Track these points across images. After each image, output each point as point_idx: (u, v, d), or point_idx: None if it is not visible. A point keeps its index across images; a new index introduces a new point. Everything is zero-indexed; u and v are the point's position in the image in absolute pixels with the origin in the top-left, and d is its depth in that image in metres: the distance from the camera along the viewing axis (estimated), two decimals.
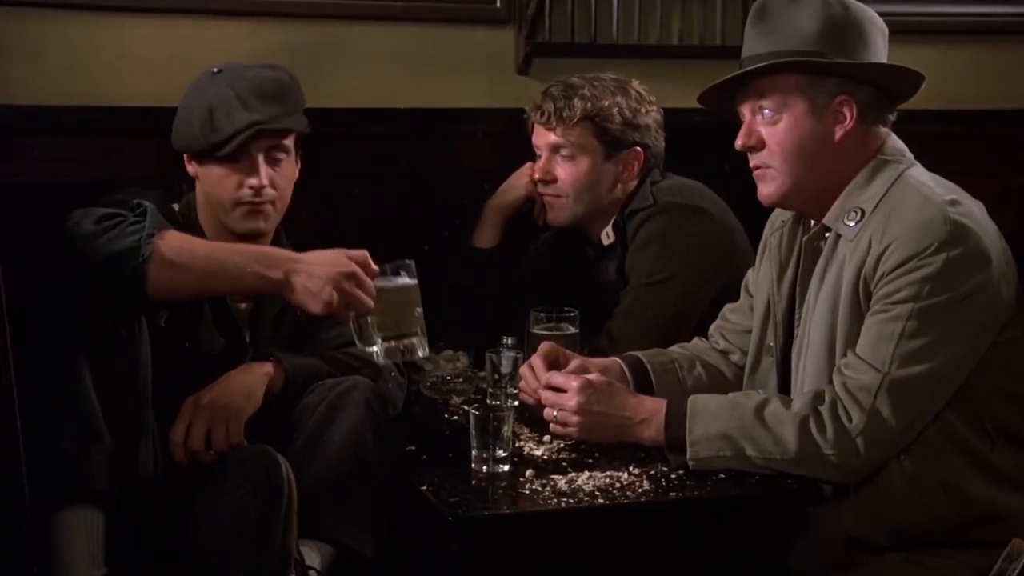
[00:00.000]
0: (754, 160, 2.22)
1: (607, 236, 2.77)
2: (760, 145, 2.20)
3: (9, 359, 1.76)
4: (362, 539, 2.10)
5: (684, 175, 2.80)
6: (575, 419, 2.17)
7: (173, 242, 2.10)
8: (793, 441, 2.04)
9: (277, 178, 2.40)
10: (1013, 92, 3.31)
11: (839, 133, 2.17)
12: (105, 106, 2.73)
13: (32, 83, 2.68)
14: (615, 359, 2.40)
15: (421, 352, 2.21)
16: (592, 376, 2.21)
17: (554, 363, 2.32)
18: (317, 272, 2.13)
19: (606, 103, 2.68)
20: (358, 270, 2.15)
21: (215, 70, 2.41)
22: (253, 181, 2.37)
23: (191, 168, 2.43)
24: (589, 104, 2.68)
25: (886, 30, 2.22)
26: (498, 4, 2.96)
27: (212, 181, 2.39)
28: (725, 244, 2.69)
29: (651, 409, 2.15)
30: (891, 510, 2.09)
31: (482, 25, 2.98)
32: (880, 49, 2.19)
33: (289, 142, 2.42)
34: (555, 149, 2.73)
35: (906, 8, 3.20)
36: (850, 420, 2.02)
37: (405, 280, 2.21)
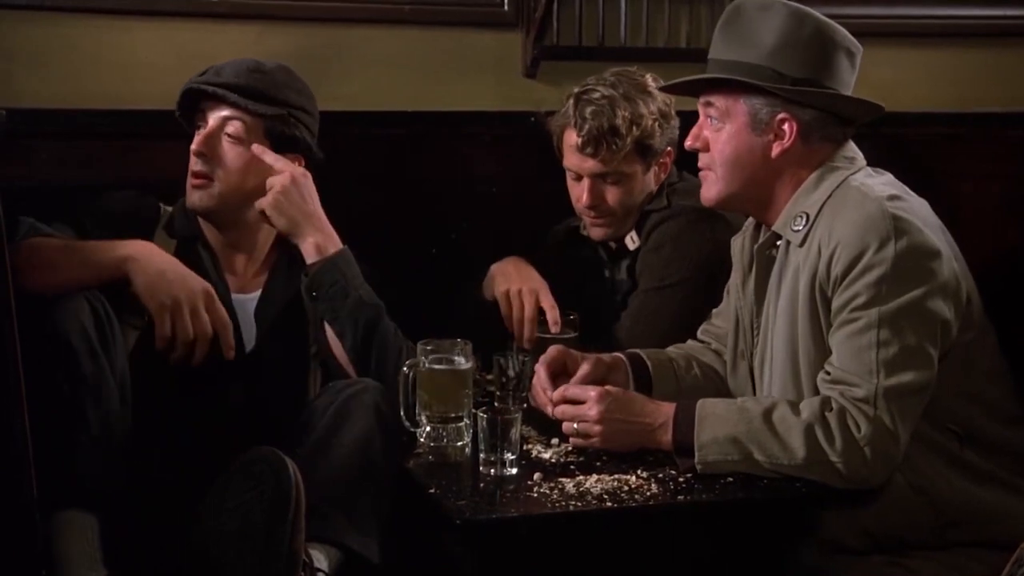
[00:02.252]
0: (701, 161, 2.27)
1: (632, 240, 2.72)
2: (706, 148, 2.24)
3: (18, 361, 1.76)
4: (368, 545, 2.09)
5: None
6: (597, 428, 2.16)
7: (21, 253, 2.11)
8: (800, 448, 2.04)
9: (225, 155, 2.37)
10: (1019, 94, 3.31)
11: (776, 150, 2.19)
12: (112, 109, 2.72)
13: (38, 86, 2.68)
14: (620, 355, 2.41)
15: (467, 435, 2.19)
16: (608, 386, 2.21)
17: (561, 368, 2.30)
18: (172, 273, 2.18)
19: (648, 122, 2.60)
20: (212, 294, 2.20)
21: None
22: (193, 147, 2.37)
23: None
24: (635, 128, 2.58)
25: (856, 49, 2.20)
26: (505, 7, 2.96)
27: None
28: None
29: (668, 414, 2.15)
30: (865, 514, 2.10)
31: (489, 28, 2.97)
32: (842, 71, 2.18)
33: (248, 122, 2.38)
34: (600, 176, 2.65)
35: (911, 11, 3.18)
36: (859, 430, 2.03)
37: (459, 363, 2.20)
